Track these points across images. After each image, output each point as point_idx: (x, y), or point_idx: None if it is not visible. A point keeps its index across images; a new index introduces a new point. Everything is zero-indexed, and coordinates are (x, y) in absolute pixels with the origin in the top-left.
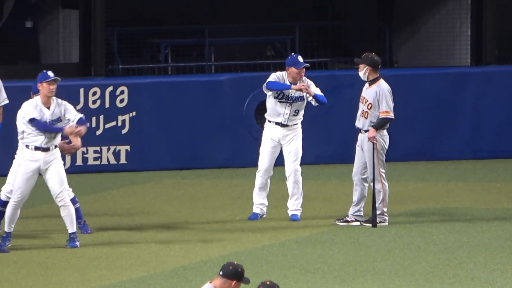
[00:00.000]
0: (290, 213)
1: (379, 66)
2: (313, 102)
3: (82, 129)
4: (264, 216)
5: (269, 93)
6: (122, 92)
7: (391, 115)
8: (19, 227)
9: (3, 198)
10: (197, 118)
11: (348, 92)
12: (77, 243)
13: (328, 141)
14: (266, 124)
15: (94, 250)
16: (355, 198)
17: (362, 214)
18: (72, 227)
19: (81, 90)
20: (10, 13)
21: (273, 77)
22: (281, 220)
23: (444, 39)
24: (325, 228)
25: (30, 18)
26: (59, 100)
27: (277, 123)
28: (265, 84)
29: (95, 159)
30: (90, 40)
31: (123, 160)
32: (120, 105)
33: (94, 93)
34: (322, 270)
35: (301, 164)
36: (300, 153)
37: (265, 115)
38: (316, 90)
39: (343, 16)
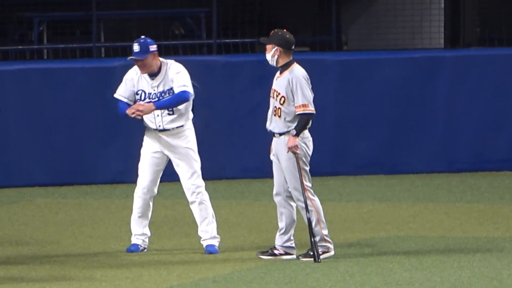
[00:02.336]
0: (204, 243)
1: (292, 47)
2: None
3: None
4: (146, 249)
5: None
6: None
7: (311, 108)
8: None
9: None
10: (81, 117)
11: None
12: None
13: (255, 149)
14: (146, 131)
15: None
16: (282, 224)
17: (293, 244)
18: None
19: None
20: None
21: (122, 86)
22: (194, 252)
23: (409, 14)
24: (251, 263)
25: None
26: None
27: (155, 129)
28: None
29: None
30: None
31: None
32: None
33: None
34: None
35: (220, 179)
36: (197, 163)
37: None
38: (178, 81)
39: None
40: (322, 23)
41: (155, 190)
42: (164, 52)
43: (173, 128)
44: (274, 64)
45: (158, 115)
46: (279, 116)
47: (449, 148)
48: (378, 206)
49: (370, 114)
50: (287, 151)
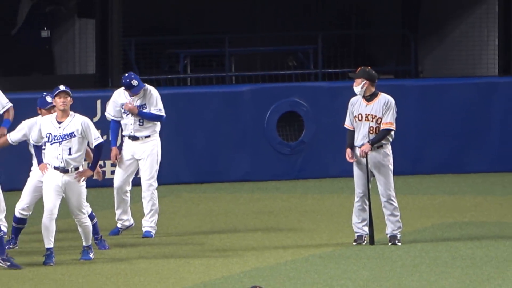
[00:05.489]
0: (144, 229)
1: (376, 81)
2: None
3: (85, 173)
4: (132, 226)
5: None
6: None
7: (394, 127)
8: (34, 243)
9: (17, 215)
10: (216, 130)
11: None
12: (91, 255)
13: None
14: (123, 142)
15: (112, 266)
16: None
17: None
18: (87, 241)
19: (98, 102)
20: (24, 21)
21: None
22: (311, 234)
23: (471, 48)
24: (350, 243)
25: (46, 27)
26: (80, 117)
27: (129, 137)
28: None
29: (113, 173)
30: (107, 50)
31: None
32: None
33: None
34: (346, 286)
35: (324, 177)
36: (156, 169)
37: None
38: (157, 105)
39: (367, 24)
40: (403, 56)
41: (127, 188)
42: (281, 79)
43: (141, 137)
44: (362, 94)
45: (131, 124)
46: (376, 133)
47: (503, 153)
48: (447, 198)
49: (442, 127)
50: (361, 155)
